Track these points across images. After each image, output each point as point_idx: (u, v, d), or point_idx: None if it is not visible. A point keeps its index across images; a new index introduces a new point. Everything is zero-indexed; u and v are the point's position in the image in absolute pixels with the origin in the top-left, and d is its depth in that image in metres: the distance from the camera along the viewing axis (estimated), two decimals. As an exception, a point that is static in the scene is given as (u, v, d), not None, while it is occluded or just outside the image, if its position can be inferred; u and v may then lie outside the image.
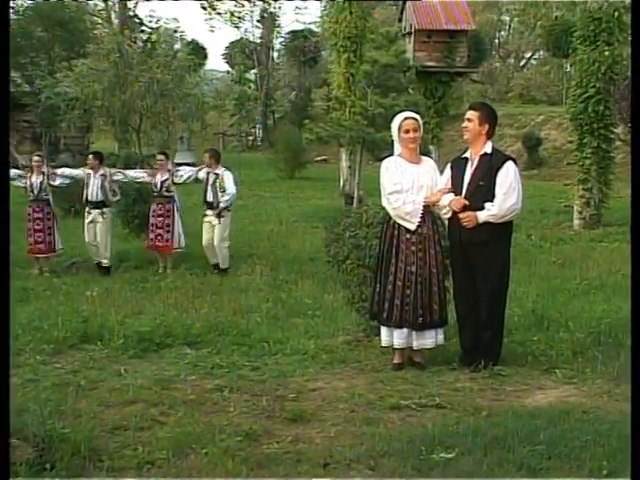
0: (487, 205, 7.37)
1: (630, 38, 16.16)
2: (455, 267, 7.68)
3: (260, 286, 12.01)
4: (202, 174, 13.64)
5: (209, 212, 13.44)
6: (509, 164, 7.48)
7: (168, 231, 13.73)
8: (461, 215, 7.43)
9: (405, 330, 7.56)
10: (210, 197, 13.36)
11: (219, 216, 13.32)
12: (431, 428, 5.83)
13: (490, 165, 7.45)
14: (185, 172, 14.02)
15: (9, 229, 5.08)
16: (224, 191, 13.23)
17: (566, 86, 39.04)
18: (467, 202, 7.42)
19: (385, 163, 7.77)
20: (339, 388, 7.02)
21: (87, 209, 13.71)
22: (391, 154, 7.86)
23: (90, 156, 14.07)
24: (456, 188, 7.55)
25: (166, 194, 13.78)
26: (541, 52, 56.61)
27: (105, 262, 13.68)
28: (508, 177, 7.40)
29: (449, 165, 7.80)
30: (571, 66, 29.26)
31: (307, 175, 33.66)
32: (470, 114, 7.61)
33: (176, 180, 13.78)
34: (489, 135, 7.61)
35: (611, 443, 5.41)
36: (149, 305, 10.62)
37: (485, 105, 8.01)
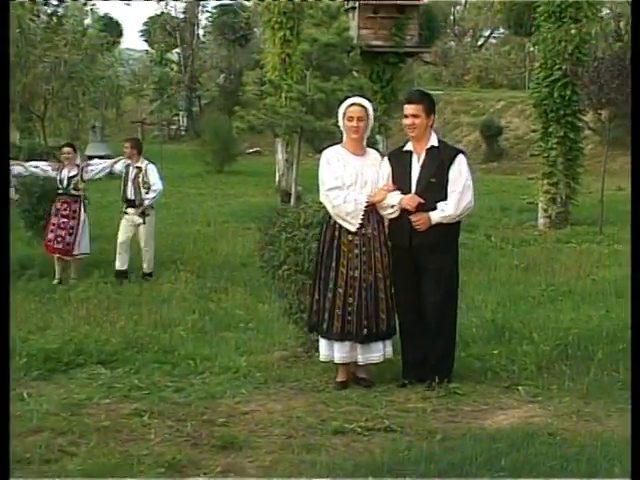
0: (440, 205, 7.39)
1: (630, 36, 16.41)
2: (399, 273, 7.61)
3: (185, 295, 11.96)
4: (119, 167, 13.49)
5: (130, 210, 13.31)
6: (460, 158, 7.52)
7: (71, 234, 13.48)
8: (413, 217, 7.43)
9: (347, 343, 7.57)
10: (131, 194, 13.23)
11: (143, 215, 13.22)
12: (379, 454, 5.84)
13: (440, 160, 7.48)
14: (97, 166, 13.82)
15: (9, 229, 5.18)
16: (149, 187, 13.12)
17: (529, 68, 39.65)
18: (422, 200, 7.42)
19: (325, 154, 7.75)
20: (275, 411, 7.01)
21: None
22: (333, 144, 7.87)
23: None
24: (403, 186, 7.51)
25: (73, 192, 13.56)
26: (501, 30, 57.22)
27: None
28: (462, 174, 7.45)
29: (386, 159, 7.76)
30: (534, 46, 29.55)
31: (238, 169, 33.62)
32: (414, 109, 7.54)
33: (86, 176, 13.57)
34: (432, 126, 7.66)
35: (580, 469, 5.46)
36: (57, 319, 10.51)
37: (425, 94, 7.93)
